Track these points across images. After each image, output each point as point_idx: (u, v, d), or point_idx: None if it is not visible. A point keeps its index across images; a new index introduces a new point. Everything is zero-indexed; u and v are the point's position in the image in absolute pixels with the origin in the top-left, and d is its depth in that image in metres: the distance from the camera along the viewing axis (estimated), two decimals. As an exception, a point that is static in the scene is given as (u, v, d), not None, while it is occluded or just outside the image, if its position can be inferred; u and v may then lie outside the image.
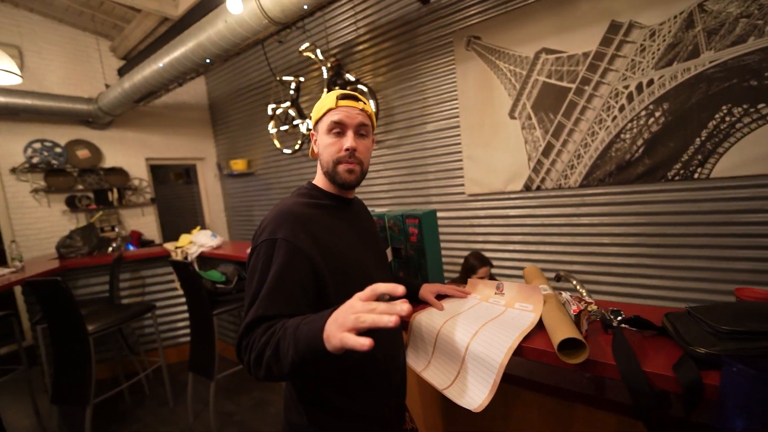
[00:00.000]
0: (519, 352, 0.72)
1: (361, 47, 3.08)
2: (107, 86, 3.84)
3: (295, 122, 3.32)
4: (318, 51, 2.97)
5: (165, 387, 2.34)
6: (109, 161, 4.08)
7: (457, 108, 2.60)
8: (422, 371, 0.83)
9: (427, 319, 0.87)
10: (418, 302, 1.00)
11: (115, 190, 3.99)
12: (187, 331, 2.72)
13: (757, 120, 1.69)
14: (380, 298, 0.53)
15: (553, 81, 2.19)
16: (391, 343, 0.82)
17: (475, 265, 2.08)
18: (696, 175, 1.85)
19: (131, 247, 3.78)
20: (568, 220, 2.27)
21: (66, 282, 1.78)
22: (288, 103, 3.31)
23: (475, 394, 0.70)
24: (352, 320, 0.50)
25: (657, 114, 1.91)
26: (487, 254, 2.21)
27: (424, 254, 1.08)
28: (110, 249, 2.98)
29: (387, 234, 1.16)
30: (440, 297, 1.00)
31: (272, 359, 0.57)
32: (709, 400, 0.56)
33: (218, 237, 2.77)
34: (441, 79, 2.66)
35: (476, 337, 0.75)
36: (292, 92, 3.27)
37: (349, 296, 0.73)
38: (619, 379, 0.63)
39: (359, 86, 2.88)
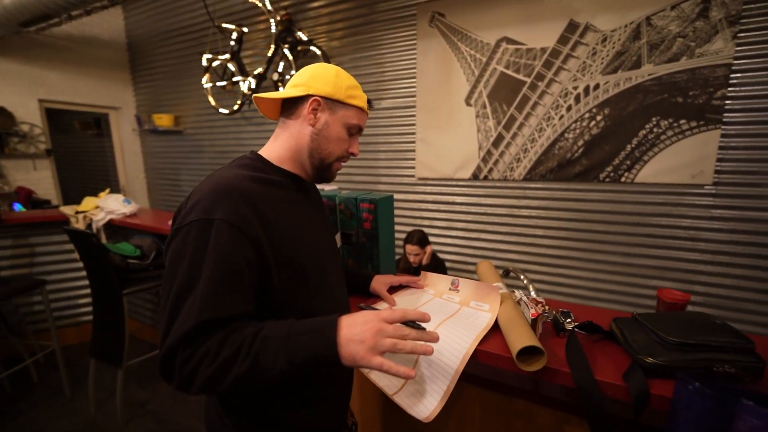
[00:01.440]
0: (474, 356, 0.68)
1: (315, 4, 2.78)
2: (-20, -2, 2.99)
3: (234, 79, 2.93)
4: (266, 0, 2.61)
5: (60, 373, 2.00)
6: (-16, 97, 3.25)
7: (414, 87, 2.50)
8: (369, 372, 0.76)
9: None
10: (369, 295, 0.92)
11: (-7, 135, 3.21)
12: (90, 309, 2.34)
13: (678, 134, 1.88)
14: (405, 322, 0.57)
15: (510, 72, 2.20)
16: None
17: (409, 239, 2.13)
18: (623, 179, 2.02)
19: (19, 207, 3.12)
20: (509, 211, 2.36)
21: None
22: (227, 56, 2.90)
23: (426, 401, 0.65)
24: (388, 345, 0.52)
25: (598, 118, 2.03)
26: (430, 239, 2.22)
27: (377, 242, 0.99)
28: (-17, 208, 2.40)
29: (337, 217, 1.05)
30: (392, 290, 0.93)
31: (248, 374, 0.50)
32: (652, 408, 0.58)
33: (133, 203, 2.38)
34: (400, 53, 2.52)
35: (432, 340, 0.69)
36: (232, 43, 2.86)
37: (300, 291, 0.62)
38: (571, 385, 0.62)
39: (312, 48, 2.62)
